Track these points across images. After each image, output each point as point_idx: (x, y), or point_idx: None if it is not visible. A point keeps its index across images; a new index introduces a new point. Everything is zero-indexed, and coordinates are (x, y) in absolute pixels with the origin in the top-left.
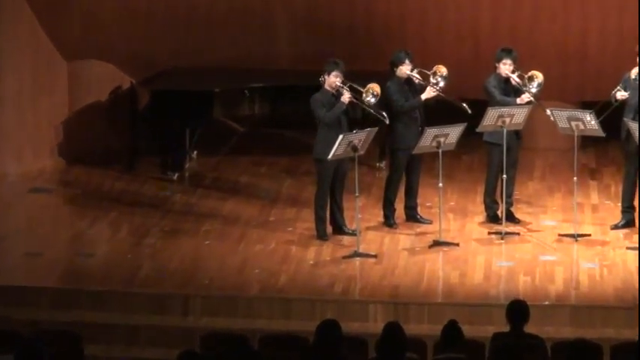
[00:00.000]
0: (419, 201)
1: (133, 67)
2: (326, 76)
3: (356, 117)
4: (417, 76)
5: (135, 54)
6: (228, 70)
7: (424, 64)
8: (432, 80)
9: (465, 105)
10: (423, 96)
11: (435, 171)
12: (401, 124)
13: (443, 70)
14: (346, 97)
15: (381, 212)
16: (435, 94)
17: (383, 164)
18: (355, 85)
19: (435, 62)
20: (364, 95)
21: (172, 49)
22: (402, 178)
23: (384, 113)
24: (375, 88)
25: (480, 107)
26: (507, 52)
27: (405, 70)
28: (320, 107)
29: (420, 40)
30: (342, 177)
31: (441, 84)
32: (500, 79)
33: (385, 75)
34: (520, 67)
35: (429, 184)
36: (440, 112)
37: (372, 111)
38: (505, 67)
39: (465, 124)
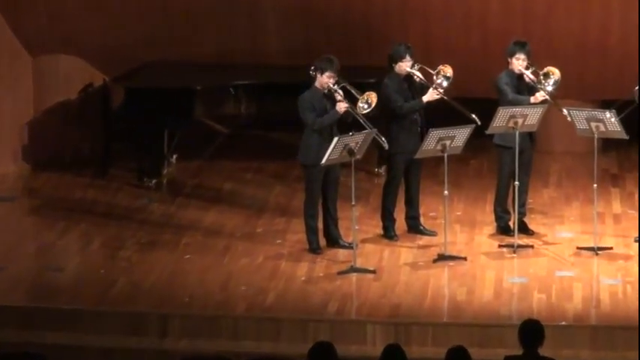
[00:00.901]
0: (422, 210)
1: (106, 61)
2: (318, 75)
3: (347, 120)
4: (418, 73)
5: (108, 47)
6: (211, 65)
7: (427, 58)
8: (436, 80)
9: (474, 116)
10: (425, 98)
11: (439, 177)
12: (399, 125)
13: (448, 70)
14: (342, 106)
15: (380, 223)
16: (438, 97)
17: (382, 170)
18: (349, 87)
19: (439, 55)
20: (359, 103)
21: (149, 42)
22: (400, 185)
23: (384, 139)
24: (371, 97)
25: (490, 106)
26: (521, 46)
27: (404, 66)
28: (309, 110)
29: (423, 32)
30: (333, 183)
31: (444, 84)
32: (513, 75)
33: (383, 71)
34: (534, 62)
35: (433, 192)
36: (444, 111)
37: (364, 124)
38: (518, 63)
39: (474, 125)
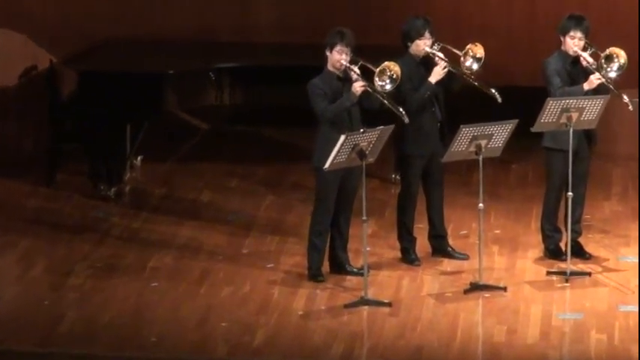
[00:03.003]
0: (450, 228)
1: (54, 38)
2: (327, 53)
3: (373, 107)
4: (440, 54)
5: (57, 21)
6: (187, 44)
7: (457, 38)
8: (464, 62)
9: (493, 91)
10: (432, 78)
11: (473, 187)
12: (413, 120)
13: (479, 50)
14: (358, 86)
15: (398, 244)
16: (444, 73)
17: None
18: (369, 65)
19: (472, 34)
20: (376, 78)
21: (110, 15)
22: (418, 196)
23: (402, 110)
24: (392, 67)
25: (538, 97)
26: (577, 22)
27: (422, 45)
28: (321, 98)
29: (452, 3)
30: (349, 195)
31: (474, 67)
32: (566, 59)
33: (402, 52)
34: (593, 41)
35: (464, 205)
36: (473, 100)
37: (388, 105)
38: (573, 43)
39: (516, 121)
